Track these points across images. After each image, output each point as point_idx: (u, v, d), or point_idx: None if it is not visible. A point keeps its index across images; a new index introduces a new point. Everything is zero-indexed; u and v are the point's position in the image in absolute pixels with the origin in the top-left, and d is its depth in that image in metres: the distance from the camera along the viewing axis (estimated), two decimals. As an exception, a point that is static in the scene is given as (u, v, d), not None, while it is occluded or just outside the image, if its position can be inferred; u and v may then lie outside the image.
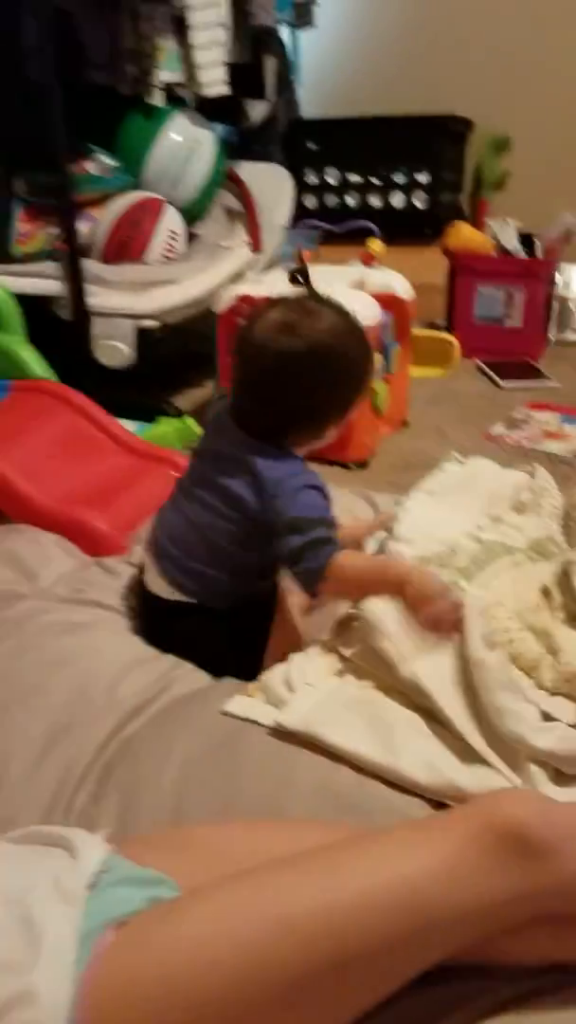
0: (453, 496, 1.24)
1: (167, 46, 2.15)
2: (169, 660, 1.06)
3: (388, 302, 1.87)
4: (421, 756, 0.87)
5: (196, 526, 1.06)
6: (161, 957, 0.58)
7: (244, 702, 0.93)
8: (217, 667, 1.06)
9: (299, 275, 1.66)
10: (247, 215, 2.41)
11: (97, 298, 1.97)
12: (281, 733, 0.90)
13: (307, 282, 1.61)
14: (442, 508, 1.21)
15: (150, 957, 0.58)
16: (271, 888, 0.63)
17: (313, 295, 1.12)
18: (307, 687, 0.93)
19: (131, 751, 0.91)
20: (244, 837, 0.75)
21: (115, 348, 1.95)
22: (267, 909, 0.61)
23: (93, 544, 1.34)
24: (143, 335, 1.97)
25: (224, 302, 1.87)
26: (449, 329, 2.55)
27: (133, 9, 1.97)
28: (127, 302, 1.97)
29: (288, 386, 1.02)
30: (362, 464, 1.86)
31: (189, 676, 1.03)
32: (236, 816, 0.83)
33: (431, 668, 0.92)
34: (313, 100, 2.96)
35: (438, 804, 0.85)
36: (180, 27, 2.15)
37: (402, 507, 1.17)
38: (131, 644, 1.09)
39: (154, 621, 1.11)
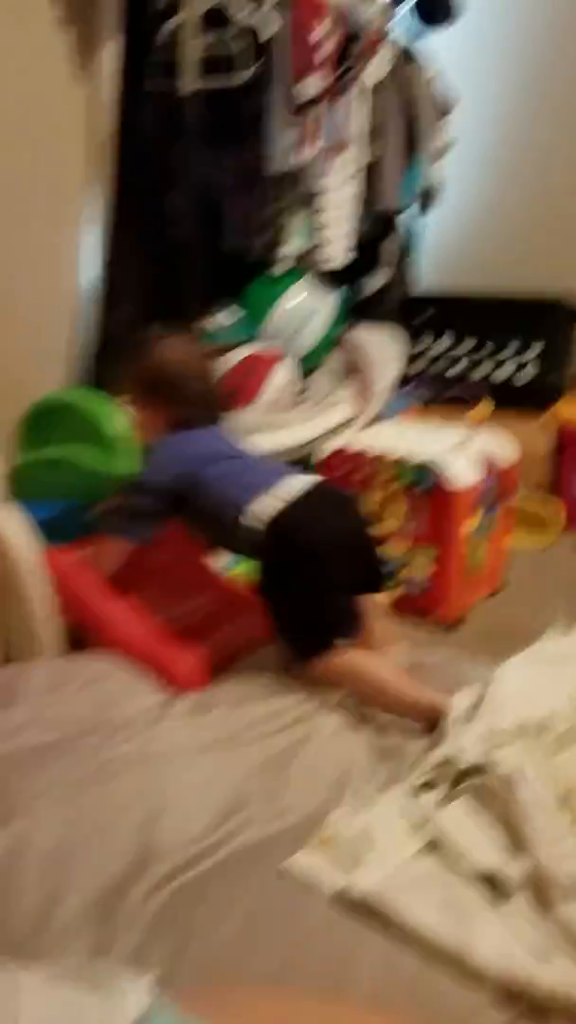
0: (554, 667, 1.19)
1: (298, 220, 2.33)
2: (239, 804, 1.01)
3: (490, 465, 1.87)
4: (495, 943, 0.78)
5: None
6: None
7: (309, 860, 0.87)
8: None
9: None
10: (357, 374, 2.51)
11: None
12: (345, 899, 0.82)
13: None
14: (542, 677, 1.16)
15: None
16: None
17: None
18: (380, 853, 0.86)
19: (190, 897, 0.85)
20: (296, 1018, 0.68)
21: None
22: None
23: (176, 681, 1.32)
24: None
25: (322, 453, 1.91)
26: (553, 501, 2.52)
27: (270, 188, 2.16)
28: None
29: None
30: (455, 625, 1.80)
31: (259, 822, 0.97)
32: (291, 983, 0.76)
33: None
34: (431, 274, 3.12)
35: (509, 997, 0.76)
36: (310, 204, 2.34)
37: (502, 671, 1.13)
38: (204, 783, 1.04)
39: None
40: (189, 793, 1.00)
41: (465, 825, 0.89)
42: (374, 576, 1.46)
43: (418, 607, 1.81)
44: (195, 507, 1.40)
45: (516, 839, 0.88)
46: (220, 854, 0.92)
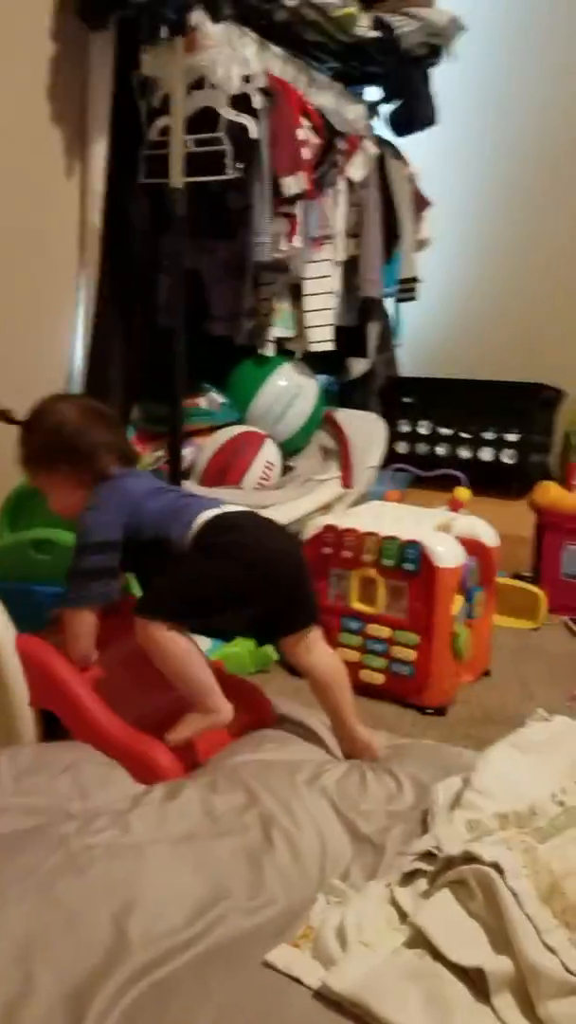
0: (537, 754, 1.18)
1: (282, 307, 2.39)
2: (217, 897, 0.97)
3: (473, 547, 1.88)
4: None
5: None
6: None
7: (288, 954, 0.84)
8: None
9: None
10: (341, 454, 2.54)
11: (191, 518, 2.05)
12: (327, 995, 0.79)
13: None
14: (525, 765, 1.14)
15: None
16: None
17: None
18: (362, 947, 0.83)
19: (164, 993, 0.81)
20: None
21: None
22: None
23: (152, 775, 1.28)
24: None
25: (311, 530, 1.92)
26: (536, 583, 2.53)
27: (256, 276, 2.23)
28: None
29: None
30: (440, 711, 1.78)
31: (236, 916, 0.94)
32: None
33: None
34: (412, 360, 3.21)
35: None
36: (295, 292, 2.41)
37: (484, 759, 1.11)
38: (180, 875, 1.01)
39: None
40: (164, 884, 0.97)
41: (448, 919, 0.86)
42: (304, 611, 1.43)
43: (404, 690, 1.79)
44: (139, 543, 1.38)
45: (500, 933, 0.85)
46: (196, 948, 0.88)
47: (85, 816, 1.10)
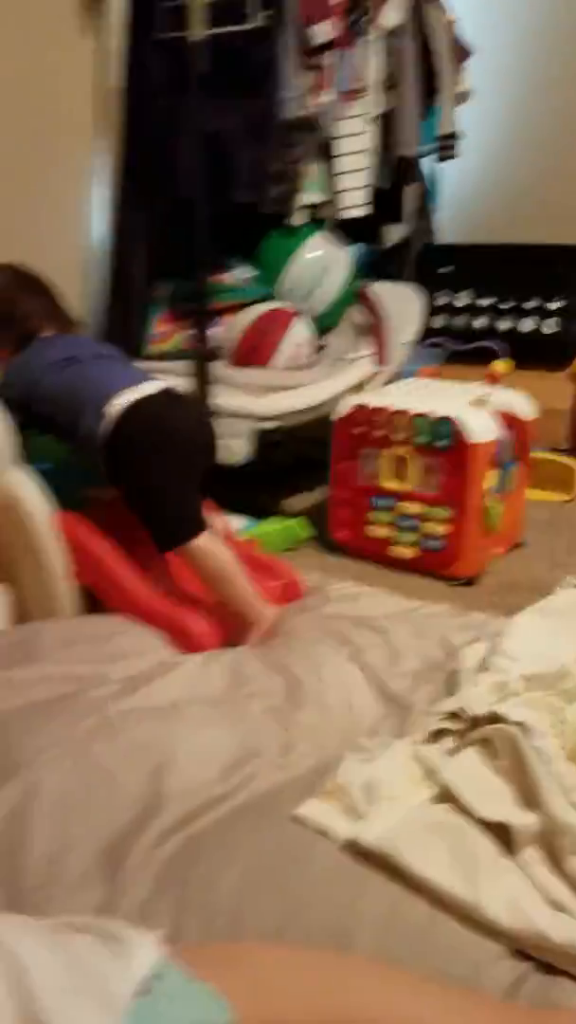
0: (564, 619, 1.17)
1: (312, 170, 2.27)
2: (248, 754, 1.00)
3: (509, 421, 1.84)
4: (506, 895, 0.78)
5: None
6: None
7: (318, 807, 0.87)
8: None
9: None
10: (374, 330, 2.46)
11: (221, 398, 2.02)
12: (353, 848, 0.82)
13: None
14: (552, 630, 1.14)
15: None
16: None
17: None
18: (388, 801, 0.86)
19: (195, 848, 0.85)
20: (300, 975, 0.68)
21: (233, 446, 1.99)
22: None
23: (189, 644, 1.32)
24: (261, 437, 2.00)
25: (341, 410, 1.88)
26: (573, 456, 2.48)
27: (282, 136, 2.10)
28: (249, 404, 2.02)
29: None
30: (468, 582, 1.78)
31: (267, 772, 0.97)
32: (295, 934, 0.75)
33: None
34: (450, 226, 3.04)
35: (518, 950, 0.75)
36: (326, 153, 2.27)
37: (512, 624, 1.11)
38: (212, 735, 1.04)
39: None
40: (197, 743, 1.00)
41: (475, 776, 0.88)
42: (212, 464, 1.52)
43: (434, 564, 1.79)
44: (42, 415, 1.45)
45: (526, 791, 0.87)
46: (228, 804, 0.91)
47: (120, 681, 1.14)
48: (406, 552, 1.82)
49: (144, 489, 1.41)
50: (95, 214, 2.09)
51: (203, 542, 1.38)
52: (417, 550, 1.81)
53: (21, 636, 1.31)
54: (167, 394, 1.47)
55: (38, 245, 1.95)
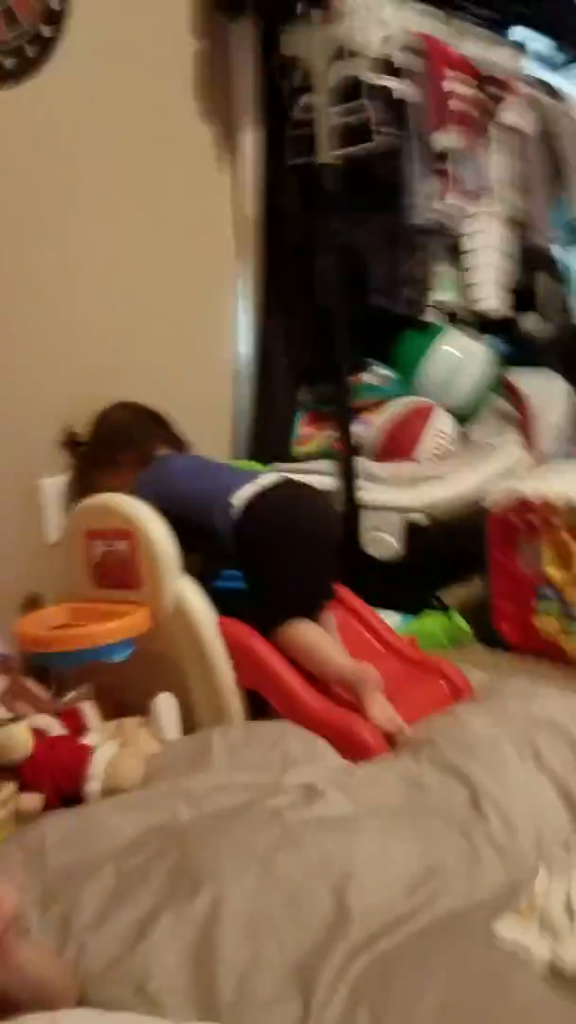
0: None
1: (443, 270, 2.32)
2: (432, 871, 0.95)
3: None
4: None
5: None
6: None
7: (516, 927, 0.81)
8: None
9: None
10: (520, 417, 2.43)
11: (368, 493, 2.04)
12: (556, 971, 0.76)
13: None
14: None
15: None
16: None
17: None
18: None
19: (386, 970, 0.81)
20: None
21: (383, 540, 1.99)
22: None
23: (356, 751, 1.29)
24: (411, 529, 1.99)
25: (497, 500, 1.84)
26: None
27: (413, 242, 2.17)
28: (395, 497, 2.02)
29: None
30: None
31: (455, 890, 0.92)
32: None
33: None
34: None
35: None
36: (456, 252, 2.32)
37: None
38: (393, 850, 1.00)
39: None
40: (379, 858, 0.97)
41: None
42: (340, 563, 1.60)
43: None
44: (178, 518, 1.50)
45: None
46: (417, 922, 0.87)
47: (296, 790, 1.12)
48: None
49: (268, 565, 1.48)
50: (241, 328, 2.21)
51: (297, 631, 1.42)
52: (581, 643, 1.72)
53: (192, 745, 1.33)
54: (289, 482, 1.60)
55: (191, 357, 2.09)
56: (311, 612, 1.46)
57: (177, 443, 1.73)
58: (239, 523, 1.49)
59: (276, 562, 1.47)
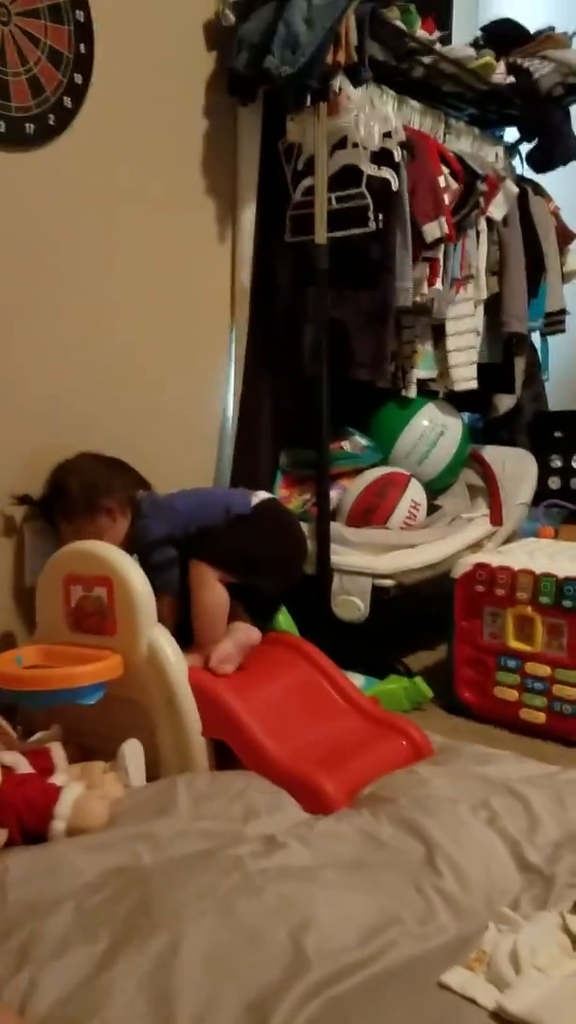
0: None
1: (424, 348, 2.43)
2: (387, 921, 0.99)
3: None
4: None
5: None
6: None
7: (463, 976, 0.85)
8: None
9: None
10: (489, 491, 2.53)
11: (340, 556, 2.10)
12: (500, 1018, 0.80)
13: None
14: None
15: None
16: None
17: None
18: (536, 971, 0.83)
19: (341, 1011, 0.84)
20: None
21: (352, 603, 2.05)
22: None
23: (317, 804, 1.32)
24: (379, 594, 2.05)
25: (462, 568, 1.92)
26: None
27: (397, 321, 2.28)
28: (366, 561, 2.09)
29: None
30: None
31: (408, 939, 0.96)
32: None
33: None
34: (561, 393, 3.16)
35: None
36: (438, 333, 2.44)
37: None
38: (350, 899, 1.04)
39: None
40: (336, 907, 1.00)
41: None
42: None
43: (568, 729, 1.75)
44: (182, 529, 1.70)
45: None
46: (371, 968, 0.90)
47: (257, 840, 1.15)
48: (537, 716, 1.78)
49: (258, 542, 1.73)
50: (229, 391, 2.29)
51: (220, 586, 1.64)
52: (548, 714, 1.78)
53: (157, 791, 1.36)
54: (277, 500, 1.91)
55: (181, 415, 2.16)
56: (272, 594, 1.76)
57: (146, 484, 1.82)
58: (243, 516, 1.73)
59: (266, 543, 1.73)
